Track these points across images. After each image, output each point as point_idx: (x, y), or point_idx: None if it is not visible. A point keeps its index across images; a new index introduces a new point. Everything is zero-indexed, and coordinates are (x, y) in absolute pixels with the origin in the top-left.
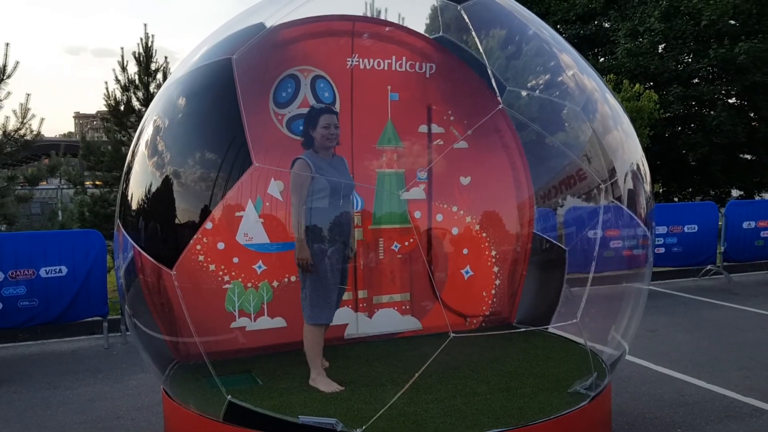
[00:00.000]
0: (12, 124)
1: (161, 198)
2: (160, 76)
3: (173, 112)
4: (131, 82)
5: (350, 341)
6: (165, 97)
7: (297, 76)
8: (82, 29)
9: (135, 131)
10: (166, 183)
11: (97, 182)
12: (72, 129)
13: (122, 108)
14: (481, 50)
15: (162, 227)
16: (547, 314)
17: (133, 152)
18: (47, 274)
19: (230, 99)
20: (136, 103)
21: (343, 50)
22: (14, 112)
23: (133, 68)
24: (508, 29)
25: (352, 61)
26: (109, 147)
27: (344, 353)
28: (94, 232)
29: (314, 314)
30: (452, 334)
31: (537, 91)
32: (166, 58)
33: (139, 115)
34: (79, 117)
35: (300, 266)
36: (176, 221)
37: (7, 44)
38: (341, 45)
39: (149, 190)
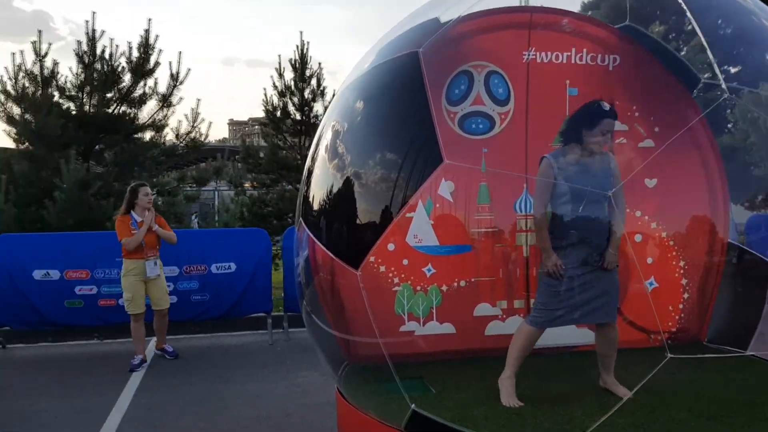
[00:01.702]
0: (184, 128)
1: (345, 199)
2: (314, 81)
3: (351, 115)
4: (287, 88)
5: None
6: (342, 101)
7: (470, 72)
8: (236, 42)
9: (291, 135)
10: (347, 184)
11: (255, 184)
12: (226, 135)
13: (278, 113)
14: (671, 40)
15: (347, 228)
16: (745, 335)
17: (313, 157)
18: (218, 270)
19: (415, 94)
20: (291, 108)
21: (518, 44)
22: (186, 116)
23: (288, 75)
24: (721, 13)
25: (528, 55)
26: (266, 151)
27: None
28: (260, 231)
29: (540, 318)
30: (669, 355)
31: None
32: (320, 64)
33: (295, 120)
34: (233, 124)
35: (548, 273)
36: (361, 221)
37: (180, 52)
38: (517, 38)
39: (331, 191)
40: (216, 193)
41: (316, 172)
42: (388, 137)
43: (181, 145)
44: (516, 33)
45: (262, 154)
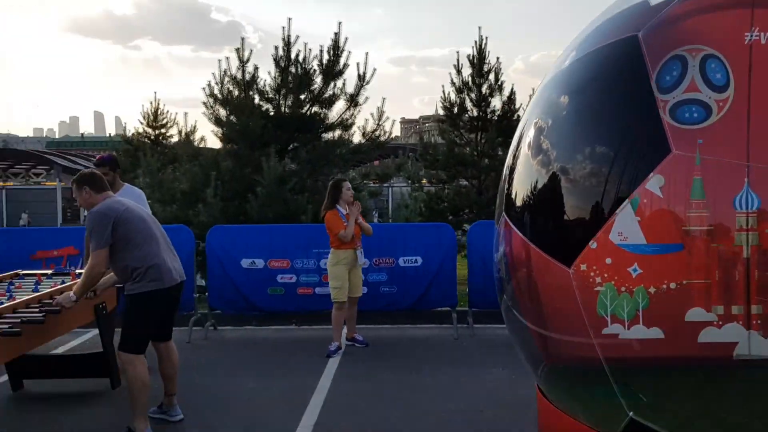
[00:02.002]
0: (370, 126)
1: (552, 195)
2: (492, 77)
3: (555, 111)
4: (465, 84)
5: (739, 362)
6: (543, 98)
7: (684, 56)
8: (408, 42)
9: (467, 131)
10: (554, 180)
11: (432, 180)
12: (398, 133)
13: (455, 110)
14: None
15: (557, 224)
16: None
17: (515, 155)
18: (405, 263)
19: (631, 81)
20: (468, 104)
21: (739, 24)
22: (372, 115)
23: (466, 71)
24: None
25: (751, 36)
26: (443, 147)
27: (735, 376)
28: (446, 226)
29: None
30: None
31: None
32: (498, 58)
33: (471, 116)
34: (404, 122)
35: None
36: (571, 218)
37: (366, 53)
38: (738, 18)
39: (536, 187)
40: (390, 189)
41: (519, 169)
42: (598, 130)
43: (367, 142)
44: (737, 12)
45: (439, 150)
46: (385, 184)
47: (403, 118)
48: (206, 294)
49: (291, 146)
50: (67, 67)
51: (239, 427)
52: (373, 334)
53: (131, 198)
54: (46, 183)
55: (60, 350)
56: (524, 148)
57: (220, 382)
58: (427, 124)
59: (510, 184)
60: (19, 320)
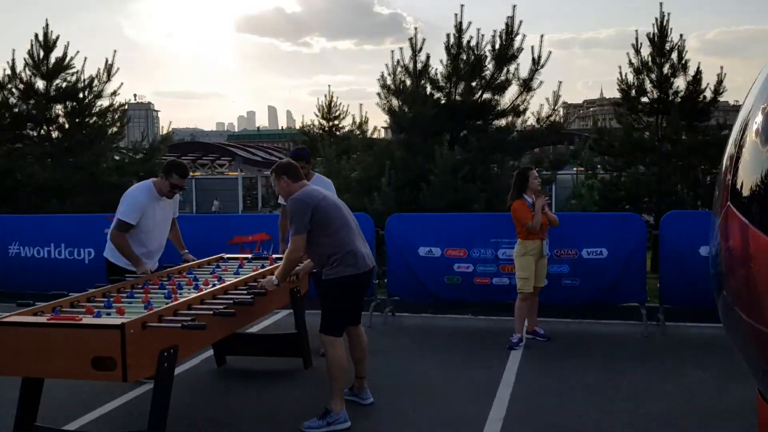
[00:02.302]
0: (545, 111)
1: None
2: (674, 55)
3: None
4: (644, 64)
5: None
6: None
7: None
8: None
9: (646, 115)
10: None
11: (607, 167)
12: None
13: (633, 92)
14: None
15: None
16: None
17: (739, 144)
18: (589, 255)
19: None
20: (648, 85)
21: None
22: (547, 99)
23: (645, 50)
24: None
25: None
26: (620, 132)
27: None
28: (635, 216)
29: None
30: None
31: None
32: (681, 36)
33: (652, 98)
34: (566, 106)
35: None
36: None
37: (542, 36)
38: None
39: (766, 175)
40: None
41: (745, 157)
42: None
43: (541, 128)
44: None
45: (615, 135)
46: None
47: (565, 103)
48: (385, 280)
49: (462, 134)
50: (244, 65)
51: (428, 413)
52: (553, 328)
53: (322, 186)
54: (229, 173)
55: (254, 329)
56: (751, 136)
57: (404, 368)
58: (591, 108)
59: (734, 173)
60: (231, 301)
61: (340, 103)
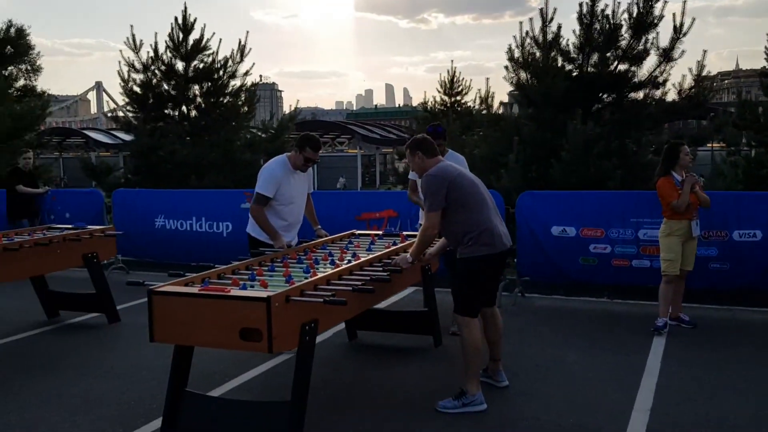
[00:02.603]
0: (687, 83)
1: None
2: None
3: None
4: None
5: None
6: None
7: None
8: None
9: None
10: None
11: (752, 143)
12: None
13: None
14: None
15: None
16: None
17: None
18: (740, 237)
19: None
20: None
21: None
22: (690, 70)
23: None
24: None
25: None
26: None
27: None
28: None
29: None
30: None
31: None
32: None
33: None
34: (698, 79)
35: None
36: None
37: (684, 1)
38: None
39: None
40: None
41: None
42: None
43: (683, 101)
44: None
45: (761, 110)
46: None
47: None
48: (514, 260)
49: (594, 108)
50: (362, 43)
51: (567, 399)
52: (698, 314)
53: (456, 163)
54: (348, 150)
55: (382, 306)
56: None
57: (539, 351)
58: (725, 81)
59: None
60: (368, 278)
61: (463, 78)
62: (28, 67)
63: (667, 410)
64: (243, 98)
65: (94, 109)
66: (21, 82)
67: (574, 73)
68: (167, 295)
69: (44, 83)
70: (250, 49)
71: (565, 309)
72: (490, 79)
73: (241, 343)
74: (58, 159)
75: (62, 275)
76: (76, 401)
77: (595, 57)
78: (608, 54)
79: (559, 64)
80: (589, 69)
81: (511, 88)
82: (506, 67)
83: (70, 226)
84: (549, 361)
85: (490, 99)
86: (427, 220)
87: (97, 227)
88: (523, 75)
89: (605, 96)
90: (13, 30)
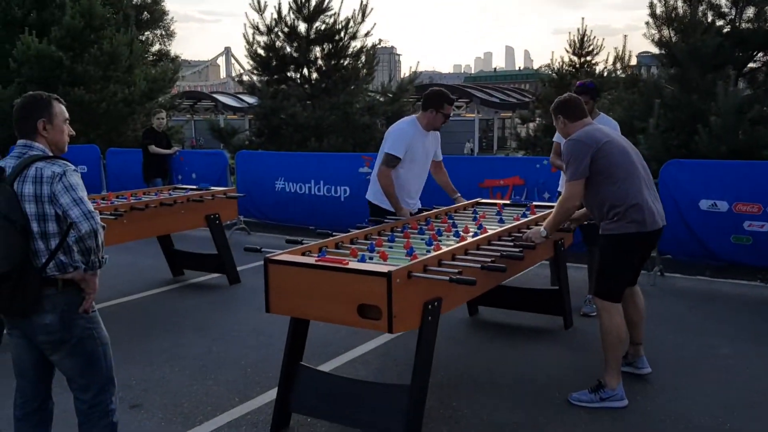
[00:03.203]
0: None
1: None
2: None
3: None
4: None
5: None
6: None
7: None
8: None
9: None
10: None
11: None
12: None
13: None
14: None
15: None
16: None
17: None
18: None
19: None
20: None
21: None
22: None
23: None
24: None
25: None
26: None
27: None
28: None
29: None
30: None
31: None
32: None
33: None
34: None
35: None
36: None
37: None
38: None
39: None
40: None
41: None
42: None
43: None
44: None
45: None
46: None
47: None
48: None
49: (747, 68)
50: (482, 4)
51: (722, 402)
52: None
53: (607, 127)
54: (466, 114)
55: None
56: None
57: (684, 340)
58: None
59: None
60: (498, 254)
61: (594, 38)
62: (163, 32)
63: None
64: (363, 59)
65: (223, 74)
66: (156, 47)
67: (726, 29)
68: (283, 264)
69: (177, 48)
70: (372, 9)
71: (712, 292)
72: (614, 42)
73: (359, 320)
74: (189, 121)
75: (190, 234)
76: (195, 364)
77: (750, 11)
78: (766, 8)
79: (709, 20)
80: (742, 24)
81: (642, 50)
82: (647, 23)
83: (194, 186)
84: (696, 353)
85: (627, 59)
86: (566, 189)
87: (220, 188)
88: (666, 32)
89: (761, 54)
90: None
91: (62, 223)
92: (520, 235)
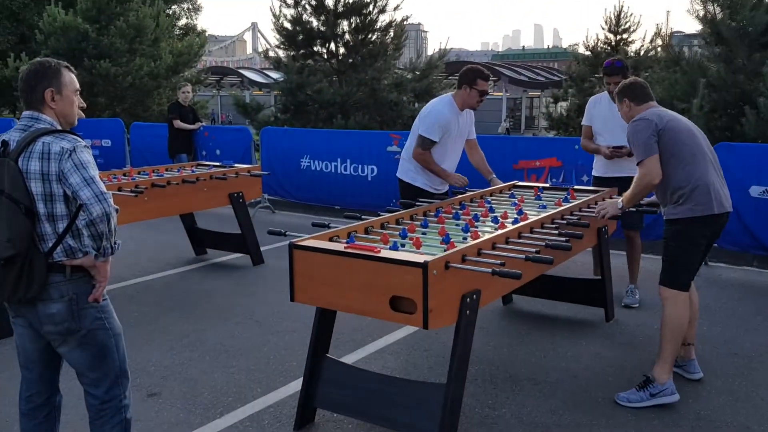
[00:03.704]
0: None
1: None
2: None
3: None
4: None
5: None
6: None
7: None
8: None
9: None
10: None
11: None
12: None
13: None
14: None
15: None
16: None
17: None
18: None
19: None
20: None
21: None
22: None
23: None
24: None
25: None
26: None
27: None
28: None
29: None
30: None
31: None
32: None
33: None
34: None
35: None
36: None
37: None
38: None
39: None
40: None
41: None
42: None
43: None
44: None
45: None
46: None
47: None
48: None
49: None
50: None
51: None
52: None
53: None
54: (493, 93)
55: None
56: None
57: (735, 336)
58: None
59: None
60: (543, 244)
61: (632, 14)
62: (190, 6)
63: None
64: (392, 34)
65: (249, 49)
66: (183, 21)
67: None
68: (309, 250)
69: (204, 23)
70: None
71: (761, 284)
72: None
73: (392, 313)
74: (215, 96)
75: (213, 211)
76: (217, 349)
77: None
78: None
79: None
80: None
81: (680, 29)
82: None
83: (218, 163)
84: (752, 351)
85: (665, 37)
86: (642, 167)
87: (244, 166)
88: (711, 8)
89: None
90: None
91: (71, 205)
92: (562, 221)
